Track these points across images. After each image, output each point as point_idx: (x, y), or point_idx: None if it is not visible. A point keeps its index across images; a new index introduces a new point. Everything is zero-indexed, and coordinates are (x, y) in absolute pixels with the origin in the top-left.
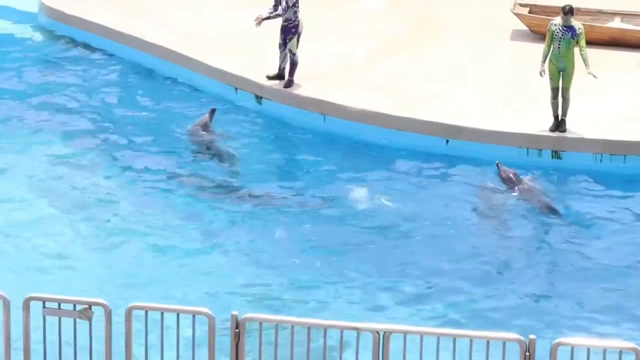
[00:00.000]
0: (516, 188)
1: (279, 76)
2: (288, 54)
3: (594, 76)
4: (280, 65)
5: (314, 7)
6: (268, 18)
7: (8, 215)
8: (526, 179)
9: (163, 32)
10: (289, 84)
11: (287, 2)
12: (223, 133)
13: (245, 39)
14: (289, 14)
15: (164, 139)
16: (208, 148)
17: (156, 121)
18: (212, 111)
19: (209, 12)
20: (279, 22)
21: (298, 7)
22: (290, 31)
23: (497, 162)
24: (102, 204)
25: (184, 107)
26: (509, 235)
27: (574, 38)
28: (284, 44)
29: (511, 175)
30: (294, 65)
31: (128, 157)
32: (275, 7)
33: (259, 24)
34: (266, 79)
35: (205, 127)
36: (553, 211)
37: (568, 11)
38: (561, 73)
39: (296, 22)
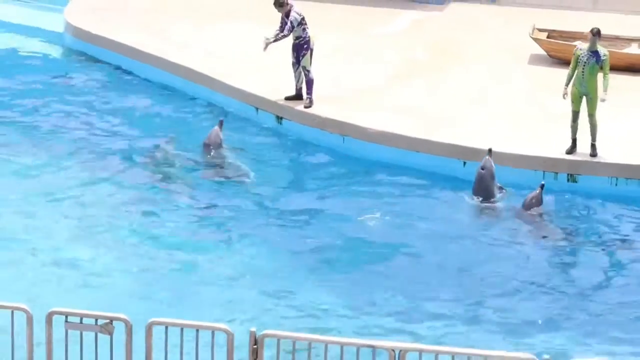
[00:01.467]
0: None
1: (297, 96)
2: (302, 72)
3: (602, 100)
4: (296, 85)
5: (338, 30)
6: (275, 40)
7: (31, 231)
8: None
9: (185, 52)
10: (309, 103)
11: (291, 23)
12: (235, 147)
13: (265, 59)
14: (299, 32)
15: (183, 156)
16: (220, 164)
17: (178, 139)
18: (221, 123)
19: (230, 33)
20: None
21: (306, 23)
22: (302, 48)
23: (543, 182)
24: (122, 220)
25: (204, 125)
26: (527, 255)
27: (598, 63)
28: (297, 62)
29: (533, 201)
30: (310, 82)
31: (145, 172)
32: (281, 27)
33: (265, 48)
34: (284, 99)
35: (217, 139)
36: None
37: (596, 33)
38: (584, 98)
39: (307, 39)
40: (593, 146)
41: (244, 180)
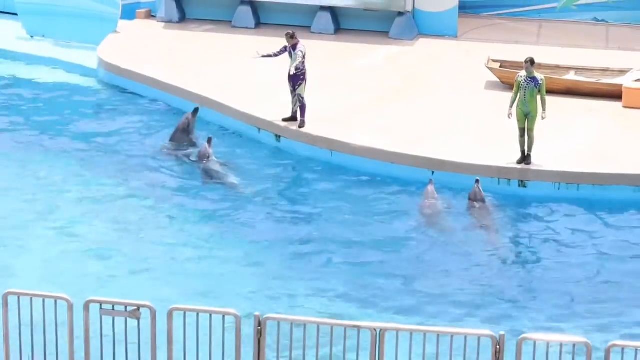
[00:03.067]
0: (477, 206)
1: (292, 118)
2: (298, 99)
3: (543, 118)
4: (292, 109)
5: (323, 63)
6: (265, 56)
7: (70, 229)
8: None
9: (200, 83)
10: (302, 124)
11: (301, 52)
12: (225, 160)
13: (267, 87)
14: (299, 64)
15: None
16: (210, 175)
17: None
18: (209, 140)
19: (237, 67)
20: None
21: (305, 58)
22: (299, 79)
23: (477, 179)
24: (144, 224)
25: (216, 145)
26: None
27: (536, 87)
28: (294, 90)
29: (478, 197)
30: (303, 107)
31: (164, 184)
32: (278, 53)
33: (253, 57)
34: (282, 121)
35: (205, 156)
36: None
37: (529, 61)
38: (527, 116)
39: (304, 71)
40: (529, 156)
41: (234, 185)
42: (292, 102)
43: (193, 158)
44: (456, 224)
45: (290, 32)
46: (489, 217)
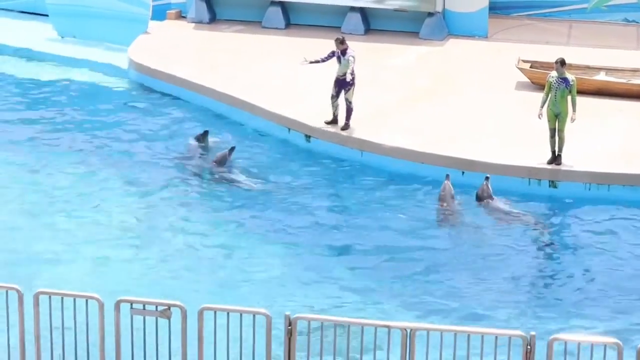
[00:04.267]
0: (484, 203)
1: (334, 120)
2: (338, 103)
3: (573, 119)
4: (333, 112)
5: (357, 63)
6: (313, 62)
7: (98, 231)
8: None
9: (230, 83)
10: (346, 127)
11: (352, 57)
12: (241, 169)
13: (296, 88)
14: (348, 69)
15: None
16: (224, 180)
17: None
18: (232, 149)
19: (267, 67)
20: (327, 74)
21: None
22: (348, 84)
23: (487, 176)
24: (174, 226)
25: (246, 145)
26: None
27: (567, 88)
28: (336, 96)
29: (485, 194)
30: (350, 111)
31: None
32: (326, 58)
33: (302, 63)
34: (324, 124)
35: (223, 161)
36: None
37: (559, 61)
38: (557, 117)
39: (353, 76)
40: (559, 156)
41: (251, 187)
42: (332, 105)
43: (212, 158)
44: (480, 223)
45: (340, 37)
46: (501, 213)
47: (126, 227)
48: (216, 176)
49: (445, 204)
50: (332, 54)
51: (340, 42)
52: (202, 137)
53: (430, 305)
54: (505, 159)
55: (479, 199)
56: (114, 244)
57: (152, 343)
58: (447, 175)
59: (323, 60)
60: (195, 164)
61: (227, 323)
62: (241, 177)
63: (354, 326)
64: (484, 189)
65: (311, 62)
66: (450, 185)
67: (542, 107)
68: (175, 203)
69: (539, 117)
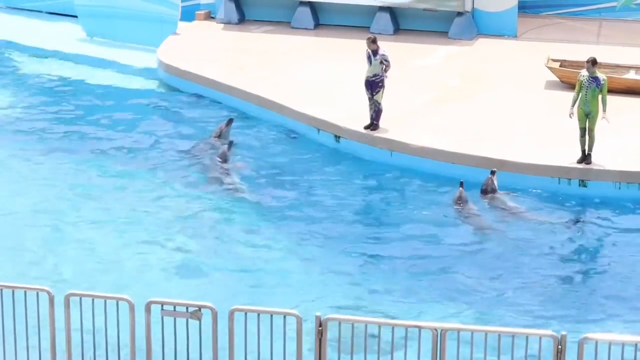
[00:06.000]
0: (493, 196)
1: (372, 124)
2: (375, 103)
3: (607, 121)
4: (371, 115)
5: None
6: (386, 70)
7: (125, 229)
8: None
9: (259, 84)
10: (375, 127)
11: (387, 56)
12: (241, 164)
13: (325, 88)
14: (378, 70)
15: (258, 173)
16: (226, 173)
17: (254, 155)
18: (230, 143)
19: (295, 68)
20: (356, 75)
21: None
22: (377, 85)
23: (494, 170)
24: (203, 228)
25: (273, 144)
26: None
27: (598, 87)
28: (372, 97)
29: (489, 188)
30: (379, 112)
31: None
32: (369, 61)
33: (383, 76)
34: (363, 129)
35: (225, 158)
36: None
37: (590, 61)
38: (587, 116)
39: (383, 77)
40: (589, 155)
41: (233, 185)
42: (370, 108)
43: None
44: (501, 225)
45: (372, 36)
46: (506, 206)
47: (155, 229)
48: (228, 176)
49: (461, 206)
50: (370, 56)
51: (372, 41)
52: (226, 126)
53: (459, 306)
54: (536, 159)
55: (484, 192)
56: (142, 245)
57: (183, 344)
58: (462, 183)
59: (389, 66)
60: (218, 166)
61: (257, 324)
62: (236, 180)
63: (385, 326)
64: (489, 183)
65: (386, 73)
66: (465, 193)
67: (572, 106)
68: (205, 205)
69: (570, 117)
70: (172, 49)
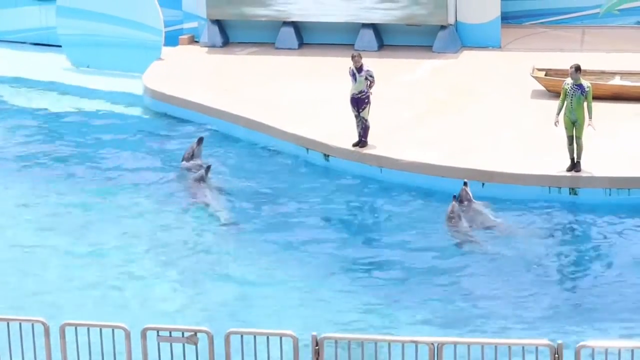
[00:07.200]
0: (469, 206)
1: (360, 142)
2: (362, 120)
3: (593, 128)
4: (359, 132)
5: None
6: (371, 88)
7: (114, 256)
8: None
9: (246, 105)
10: (364, 144)
11: (373, 79)
12: (219, 187)
13: (312, 107)
14: (364, 87)
15: (258, 194)
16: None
17: (244, 177)
18: (207, 167)
19: (281, 88)
20: (341, 93)
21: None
22: (364, 102)
23: (465, 181)
24: (189, 248)
25: (263, 165)
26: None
27: (583, 94)
28: (359, 114)
29: (464, 199)
30: (366, 129)
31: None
32: (354, 79)
33: (369, 95)
34: (352, 146)
35: (201, 180)
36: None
37: (574, 67)
38: (574, 124)
39: (368, 94)
40: (578, 163)
41: (218, 210)
42: (358, 125)
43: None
44: (491, 238)
45: (356, 53)
46: (482, 215)
47: (145, 255)
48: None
49: (454, 221)
50: (354, 73)
51: (357, 58)
52: (197, 145)
53: (455, 319)
54: (525, 169)
55: (460, 202)
56: (133, 272)
57: None
58: (465, 183)
59: (374, 82)
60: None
61: (254, 346)
62: (220, 202)
63: (382, 343)
64: (463, 194)
65: (371, 90)
66: (458, 206)
67: (558, 114)
68: (193, 229)
69: (556, 125)
70: (157, 74)
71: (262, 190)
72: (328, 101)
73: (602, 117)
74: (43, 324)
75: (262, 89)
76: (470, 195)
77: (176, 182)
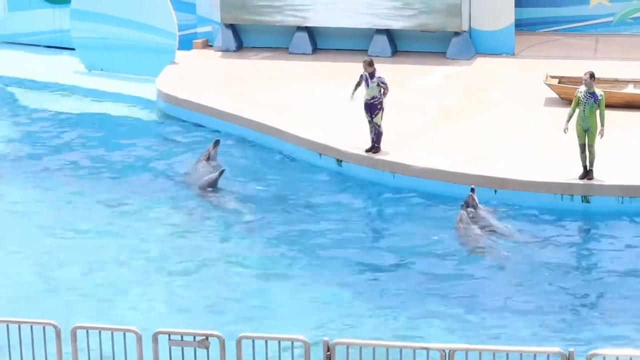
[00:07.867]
0: (476, 212)
1: (373, 148)
2: (375, 126)
3: (601, 135)
4: (372, 138)
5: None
6: (355, 89)
7: (135, 267)
8: (484, 209)
9: (259, 110)
10: (377, 150)
11: (386, 86)
12: (230, 192)
13: (325, 112)
14: (376, 92)
15: (271, 201)
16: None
17: (256, 181)
18: (221, 172)
19: (295, 93)
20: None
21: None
22: (376, 108)
23: (473, 187)
24: (208, 256)
25: (276, 170)
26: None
27: (596, 103)
28: (372, 119)
29: (470, 205)
30: (379, 134)
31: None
32: (366, 84)
33: (352, 99)
34: (365, 152)
35: (212, 184)
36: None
37: (588, 75)
38: (586, 132)
39: (381, 100)
40: (591, 171)
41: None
42: (371, 131)
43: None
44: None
45: (368, 59)
46: (487, 221)
47: (156, 258)
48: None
49: (464, 228)
50: (366, 79)
51: (369, 64)
52: (213, 147)
53: (466, 326)
54: (537, 176)
55: (467, 208)
56: (144, 275)
57: None
58: (473, 189)
59: (358, 84)
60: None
61: (265, 351)
62: (234, 206)
63: (393, 349)
64: (469, 200)
65: (354, 93)
66: (467, 215)
67: (567, 121)
68: (204, 233)
69: (565, 132)
70: (171, 78)
71: (274, 195)
72: (341, 106)
73: (615, 125)
74: (54, 326)
75: (276, 94)
76: (477, 201)
77: (187, 186)
